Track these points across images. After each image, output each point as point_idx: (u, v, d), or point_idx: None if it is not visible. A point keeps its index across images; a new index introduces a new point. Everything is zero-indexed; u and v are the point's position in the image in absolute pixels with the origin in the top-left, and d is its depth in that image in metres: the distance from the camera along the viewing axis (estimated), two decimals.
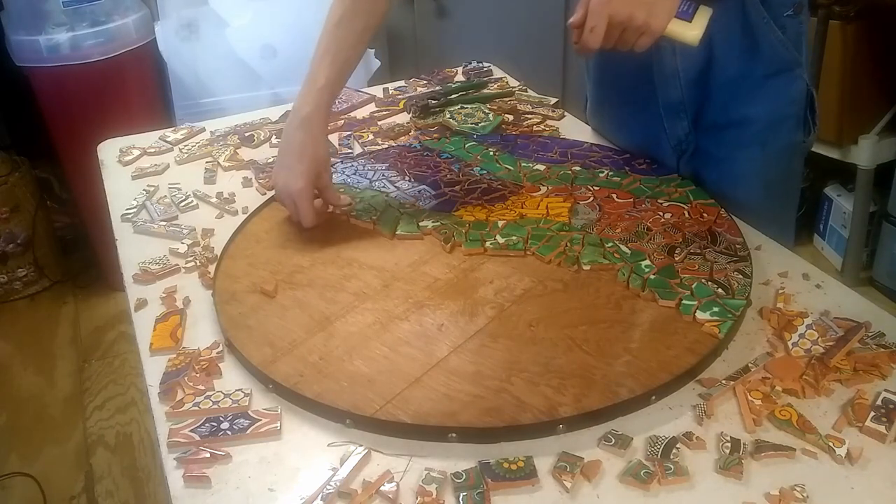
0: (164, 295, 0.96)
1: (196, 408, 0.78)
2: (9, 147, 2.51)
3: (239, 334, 0.86)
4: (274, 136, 1.37)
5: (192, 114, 2.13)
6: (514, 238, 1.00)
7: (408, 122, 1.40)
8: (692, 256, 0.94)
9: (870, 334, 0.83)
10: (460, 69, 1.65)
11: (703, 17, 0.92)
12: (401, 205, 1.10)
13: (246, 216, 1.11)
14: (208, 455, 0.72)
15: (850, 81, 2.15)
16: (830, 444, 0.70)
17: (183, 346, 0.87)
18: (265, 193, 1.18)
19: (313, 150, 1.02)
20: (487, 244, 0.99)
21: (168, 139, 1.38)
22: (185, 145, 1.36)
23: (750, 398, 0.75)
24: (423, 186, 1.14)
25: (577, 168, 1.16)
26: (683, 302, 0.86)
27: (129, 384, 2.16)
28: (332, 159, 1.15)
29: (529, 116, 1.40)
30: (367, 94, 1.54)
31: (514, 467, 0.69)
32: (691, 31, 0.92)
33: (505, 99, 1.46)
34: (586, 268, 0.94)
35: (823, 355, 0.79)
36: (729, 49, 1.04)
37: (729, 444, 0.70)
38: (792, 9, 1.02)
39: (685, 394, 0.77)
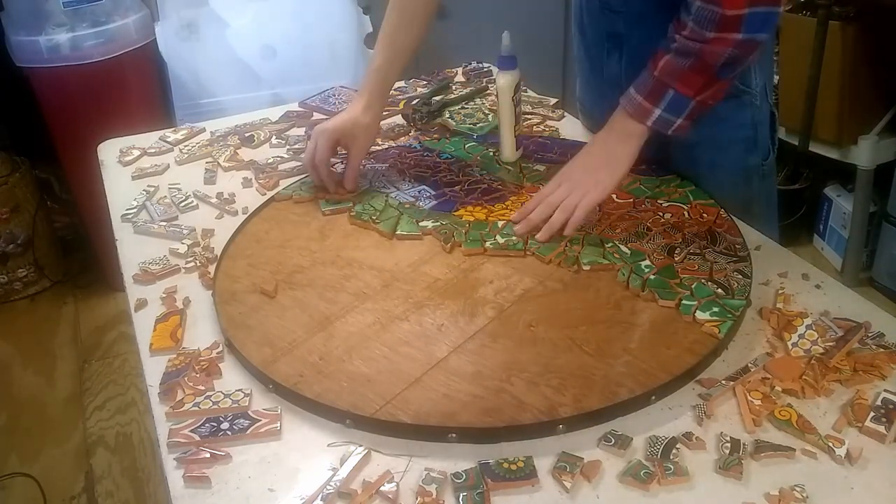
0: (164, 295, 0.96)
1: (196, 408, 0.78)
2: (9, 147, 2.50)
3: (239, 334, 0.86)
4: (274, 137, 1.37)
5: (193, 114, 2.13)
6: (513, 238, 1.00)
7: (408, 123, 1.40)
8: (692, 256, 0.94)
9: (869, 334, 0.83)
10: (460, 69, 1.65)
11: None
12: (401, 205, 1.10)
13: (246, 216, 1.11)
14: (208, 455, 0.72)
15: (850, 81, 2.15)
16: (830, 444, 0.70)
17: (183, 347, 0.87)
18: (265, 193, 1.18)
19: (352, 111, 1.14)
20: (487, 244, 0.99)
21: (168, 139, 1.38)
22: (186, 146, 1.36)
23: (750, 398, 0.75)
24: (423, 186, 1.14)
25: None
26: (683, 302, 0.86)
27: (129, 384, 2.16)
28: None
29: (529, 116, 1.40)
30: None
31: (513, 467, 0.69)
32: None
33: None
34: (586, 268, 0.94)
35: (823, 355, 0.79)
36: None
37: (729, 445, 0.70)
38: None
39: (685, 394, 0.77)
